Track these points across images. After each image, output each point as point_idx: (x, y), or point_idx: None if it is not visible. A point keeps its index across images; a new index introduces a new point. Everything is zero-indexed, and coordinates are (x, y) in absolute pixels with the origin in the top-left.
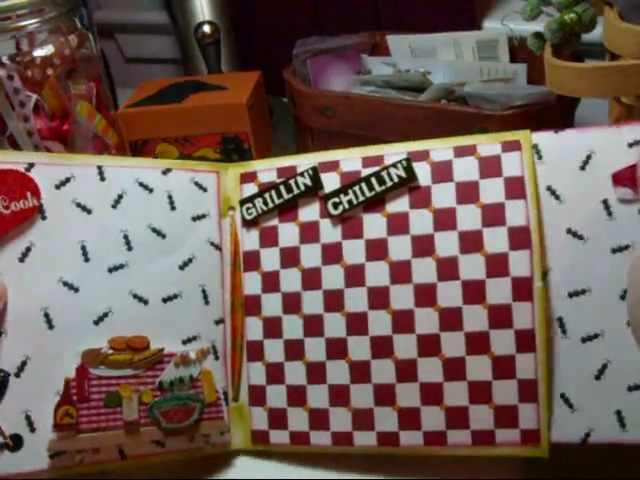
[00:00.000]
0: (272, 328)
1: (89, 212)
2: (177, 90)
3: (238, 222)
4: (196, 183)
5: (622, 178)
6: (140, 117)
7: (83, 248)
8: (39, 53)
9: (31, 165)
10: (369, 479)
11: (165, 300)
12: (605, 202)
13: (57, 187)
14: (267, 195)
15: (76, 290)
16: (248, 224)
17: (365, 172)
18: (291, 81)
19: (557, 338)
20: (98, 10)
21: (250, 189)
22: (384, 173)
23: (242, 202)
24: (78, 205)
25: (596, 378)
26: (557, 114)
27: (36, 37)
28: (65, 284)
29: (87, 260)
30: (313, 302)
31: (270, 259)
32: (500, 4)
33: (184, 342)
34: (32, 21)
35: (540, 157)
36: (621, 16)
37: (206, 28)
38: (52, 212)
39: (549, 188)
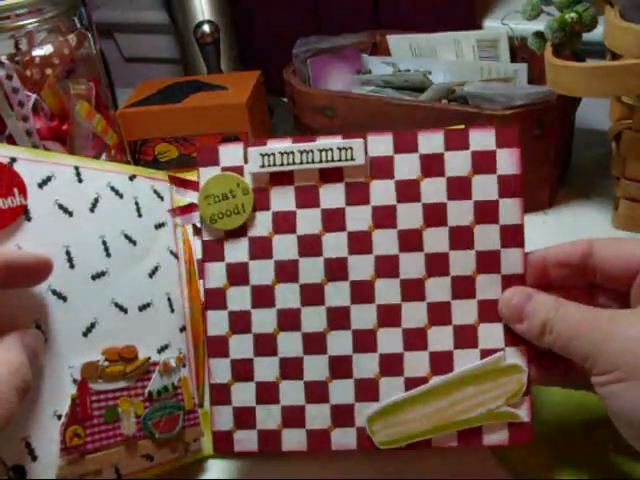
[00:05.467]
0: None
1: (70, 215)
2: (177, 90)
3: (189, 231)
4: (155, 191)
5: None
6: (140, 117)
7: (68, 253)
8: (38, 53)
9: (13, 160)
10: None
11: (141, 308)
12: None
13: (40, 186)
14: None
15: (65, 299)
16: (200, 232)
17: None
18: (291, 81)
19: None
20: (97, 9)
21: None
22: None
23: None
24: (60, 207)
25: None
26: (558, 114)
27: (35, 37)
28: (54, 293)
29: (72, 267)
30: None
31: None
32: (500, 3)
33: (159, 350)
34: (31, 20)
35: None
36: (622, 15)
37: (206, 28)
38: (36, 213)
39: None
